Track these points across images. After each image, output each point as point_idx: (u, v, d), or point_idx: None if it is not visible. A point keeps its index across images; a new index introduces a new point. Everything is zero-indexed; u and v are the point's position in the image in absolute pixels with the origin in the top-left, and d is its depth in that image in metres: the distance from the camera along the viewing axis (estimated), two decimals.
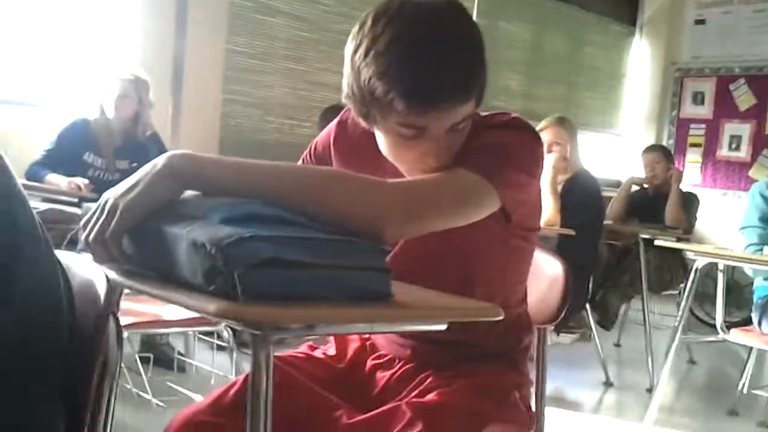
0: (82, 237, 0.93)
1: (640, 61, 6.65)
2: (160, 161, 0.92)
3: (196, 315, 1.45)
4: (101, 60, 3.67)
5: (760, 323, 2.80)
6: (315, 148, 1.36)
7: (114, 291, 0.92)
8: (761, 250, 2.75)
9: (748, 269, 2.83)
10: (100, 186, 3.01)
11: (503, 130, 1.15)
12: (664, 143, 6.00)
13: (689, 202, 4.35)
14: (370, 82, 1.04)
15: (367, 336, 1.35)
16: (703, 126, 6.30)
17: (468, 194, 1.07)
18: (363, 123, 1.14)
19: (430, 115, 1.05)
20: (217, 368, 2.75)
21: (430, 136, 1.08)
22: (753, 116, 6.02)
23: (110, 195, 0.92)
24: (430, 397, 1.13)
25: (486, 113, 1.21)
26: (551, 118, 3.57)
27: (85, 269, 0.93)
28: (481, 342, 1.27)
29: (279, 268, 0.80)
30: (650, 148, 4.73)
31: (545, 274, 1.48)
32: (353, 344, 1.35)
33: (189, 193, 0.94)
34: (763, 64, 5.96)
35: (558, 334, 3.74)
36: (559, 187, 3.41)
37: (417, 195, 1.03)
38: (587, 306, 3.61)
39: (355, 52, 1.07)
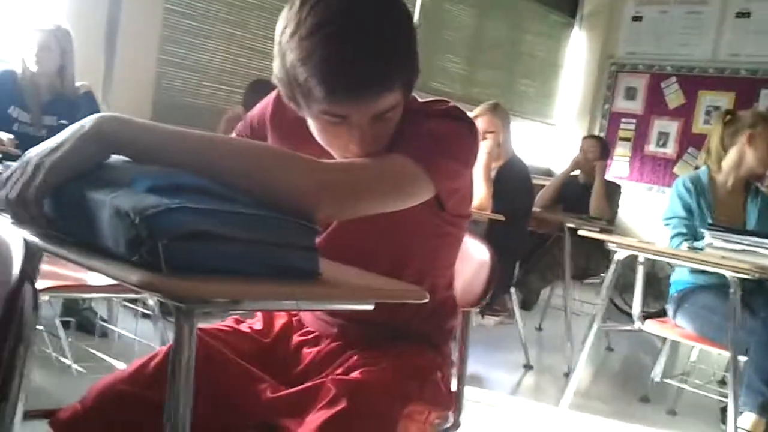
0: (1, 195, 0.89)
1: (578, 52, 6.78)
2: (88, 123, 0.88)
3: None
4: (30, 11, 3.51)
5: (674, 315, 2.91)
6: (251, 122, 1.34)
7: (33, 255, 0.89)
8: (689, 239, 2.86)
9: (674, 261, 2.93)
10: (25, 142, 2.88)
11: (441, 119, 1.16)
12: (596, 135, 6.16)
13: (612, 191, 4.51)
14: (293, 67, 1.04)
15: (294, 312, 1.34)
16: (634, 121, 6.47)
17: (403, 180, 1.07)
18: (292, 106, 1.13)
19: (349, 105, 1.05)
20: (140, 336, 2.70)
21: (352, 124, 1.07)
22: (681, 114, 6.22)
23: (33, 153, 0.88)
24: (355, 375, 1.14)
25: (424, 100, 1.21)
26: (485, 105, 3.61)
27: (1, 230, 0.89)
28: (406, 323, 1.28)
29: (205, 241, 0.78)
30: (590, 136, 4.93)
31: (473, 259, 1.50)
32: (280, 320, 1.35)
33: (116, 158, 0.91)
34: (693, 64, 6.16)
35: (482, 317, 3.82)
36: (492, 173, 3.46)
37: (352, 177, 1.02)
38: (512, 290, 3.69)
39: (282, 33, 1.06)
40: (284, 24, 1.06)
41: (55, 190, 0.86)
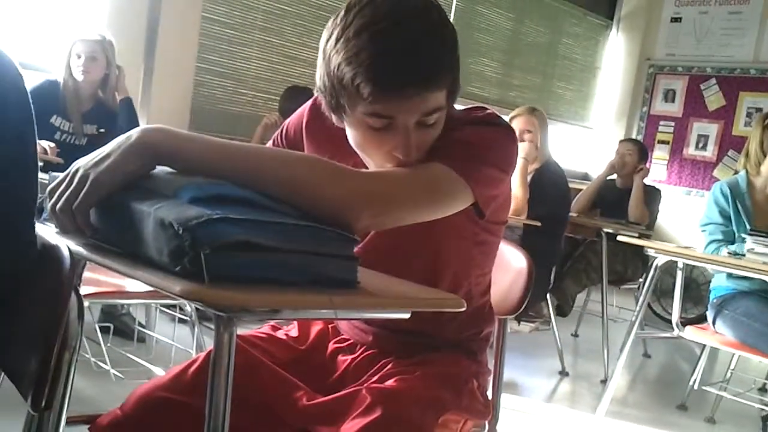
0: (48, 205, 0.91)
1: (615, 55, 6.70)
2: (134, 134, 0.91)
3: None
4: (71, 20, 3.58)
5: (714, 322, 2.86)
6: (287, 131, 1.35)
7: (77, 264, 0.91)
8: (726, 246, 2.81)
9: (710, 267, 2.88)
10: (66, 150, 2.95)
11: (480, 126, 1.15)
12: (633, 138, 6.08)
13: (652, 195, 4.43)
14: (339, 68, 1.04)
15: (330, 320, 1.35)
16: (672, 124, 6.38)
17: (442, 189, 1.07)
18: (333, 118, 1.13)
19: (396, 103, 1.04)
20: (177, 341, 2.73)
21: (398, 127, 1.07)
22: (721, 117, 6.12)
23: (80, 165, 0.91)
24: (390, 383, 1.14)
25: (462, 108, 1.21)
26: (523, 107, 3.60)
27: (48, 240, 0.92)
28: (442, 331, 1.28)
29: (246, 251, 0.80)
30: (628, 140, 4.83)
31: (510, 267, 1.49)
32: (316, 327, 1.36)
33: (160, 169, 0.93)
34: (734, 66, 6.05)
35: (518, 323, 3.80)
36: (528, 177, 3.44)
37: (390, 187, 1.02)
38: (548, 296, 3.67)
39: (327, 41, 1.07)
40: (329, 32, 1.07)
41: (100, 200, 0.88)
